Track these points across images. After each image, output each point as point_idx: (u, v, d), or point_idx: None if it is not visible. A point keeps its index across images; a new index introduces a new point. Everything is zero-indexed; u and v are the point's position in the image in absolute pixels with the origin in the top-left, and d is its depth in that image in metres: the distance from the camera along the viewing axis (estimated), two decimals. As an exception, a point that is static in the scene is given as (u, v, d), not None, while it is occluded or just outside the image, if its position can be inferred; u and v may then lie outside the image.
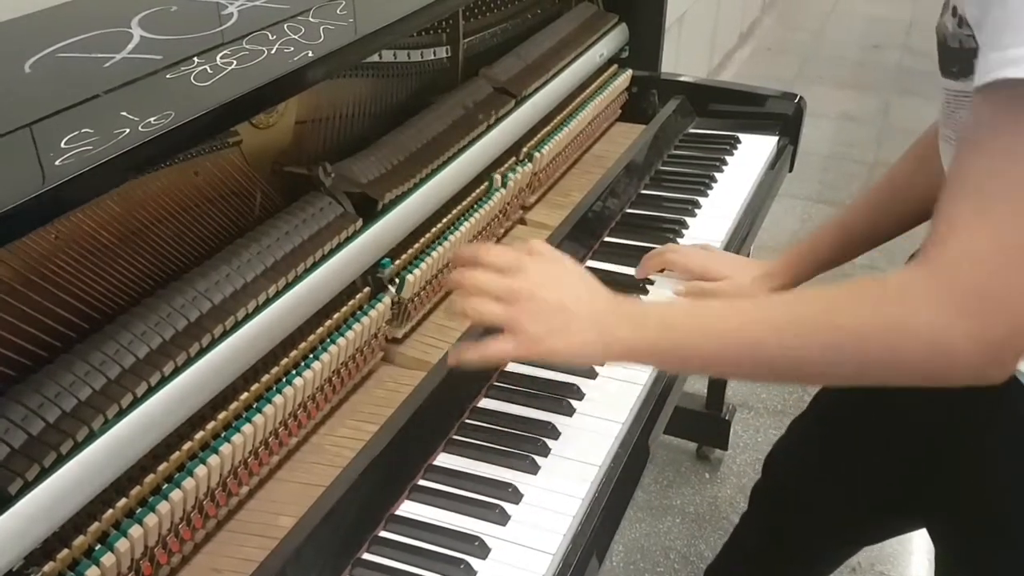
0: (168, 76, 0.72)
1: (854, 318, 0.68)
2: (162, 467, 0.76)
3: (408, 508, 0.85)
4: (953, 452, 0.91)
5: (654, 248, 1.23)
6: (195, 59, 0.75)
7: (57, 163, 0.57)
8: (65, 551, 0.68)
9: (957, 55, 0.75)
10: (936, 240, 0.66)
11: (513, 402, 0.98)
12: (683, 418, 1.93)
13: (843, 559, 1.25)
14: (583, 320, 0.79)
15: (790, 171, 1.63)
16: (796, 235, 2.81)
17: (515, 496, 0.86)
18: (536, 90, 1.33)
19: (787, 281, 1.14)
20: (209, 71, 0.73)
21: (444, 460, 0.91)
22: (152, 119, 0.63)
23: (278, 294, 0.87)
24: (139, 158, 0.61)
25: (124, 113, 0.64)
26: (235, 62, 0.75)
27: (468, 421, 0.96)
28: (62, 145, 0.59)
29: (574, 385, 1.00)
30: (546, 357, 0.80)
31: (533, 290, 0.81)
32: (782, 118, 1.61)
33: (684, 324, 0.77)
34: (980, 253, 0.63)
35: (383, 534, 0.83)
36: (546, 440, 0.92)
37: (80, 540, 0.69)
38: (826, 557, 1.23)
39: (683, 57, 3.16)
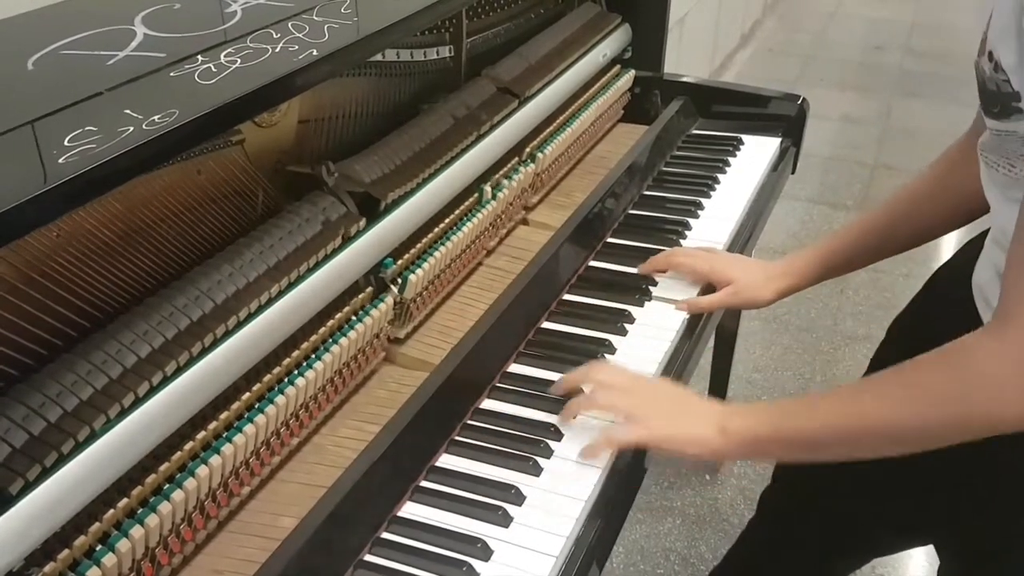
0: (172, 74, 0.71)
1: (951, 405, 0.73)
2: (163, 467, 0.75)
3: (410, 509, 0.85)
4: (965, 469, 0.90)
5: (657, 249, 1.23)
6: (199, 57, 0.75)
7: (60, 161, 0.56)
8: (66, 551, 0.67)
9: (996, 97, 0.76)
10: (1007, 311, 0.71)
11: (516, 403, 0.98)
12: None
13: (852, 569, 1.25)
14: (699, 413, 0.88)
15: (792, 173, 1.63)
16: (796, 236, 2.80)
17: (518, 498, 0.85)
18: (539, 90, 1.33)
19: (798, 283, 1.13)
20: (213, 69, 0.72)
21: (446, 461, 0.90)
22: (156, 117, 0.63)
23: (280, 294, 0.87)
24: (143, 157, 0.60)
25: (128, 111, 0.63)
26: (239, 60, 0.74)
27: (471, 422, 0.96)
28: (65, 143, 0.59)
29: (578, 387, 1.00)
30: (666, 444, 0.88)
31: (654, 385, 0.94)
32: (785, 119, 1.60)
33: (792, 411, 0.84)
34: None
35: (385, 535, 0.82)
36: (549, 442, 0.92)
37: (81, 540, 0.68)
38: (834, 567, 1.22)
39: (684, 58, 3.15)
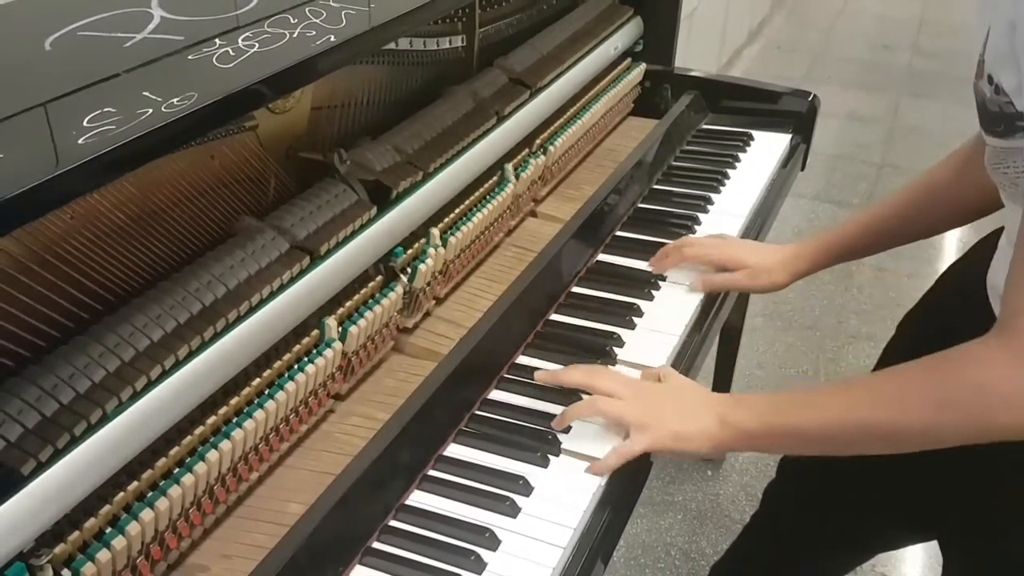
0: (190, 57, 0.71)
1: (951, 411, 0.74)
2: (174, 451, 0.75)
3: (418, 498, 0.85)
4: (970, 466, 0.90)
5: (666, 243, 1.23)
6: (216, 41, 0.74)
7: (80, 142, 0.56)
8: (76, 533, 0.67)
9: (1000, 118, 0.76)
10: (1011, 322, 0.71)
11: (524, 394, 0.98)
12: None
13: (855, 564, 1.25)
14: (700, 407, 0.89)
15: (802, 170, 1.62)
16: (801, 233, 2.80)
17: (526, 488, 0.85)
18: (551, 81, 1.33)
19: (812, 266, 1.14)
20: (231, 53, 0.72)
21: (455, 451, 0.90)
22: (175, 100, 0.62)
23: (292, 280, 0.87)
24: (162, 139, 0.60)
25: (146, 93, 0.63)
26: (257, 45, 0.74)
27: (479, 412, 0.96)
28: (84, 124, 0.58)
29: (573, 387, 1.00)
30: (674, 444, 0.88)
31: (654, 388, 0.93)
32: (795, 116, 1.60)
33: (792, 402, 0.85)
34: None
35: (393, 523, 0.82)
36: (557, 433, 0.92)
37: (91, 522, 0.68)
38: (837, 562, 1.23)
39: (692, 53, 3.15)
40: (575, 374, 0.94)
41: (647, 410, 0.89)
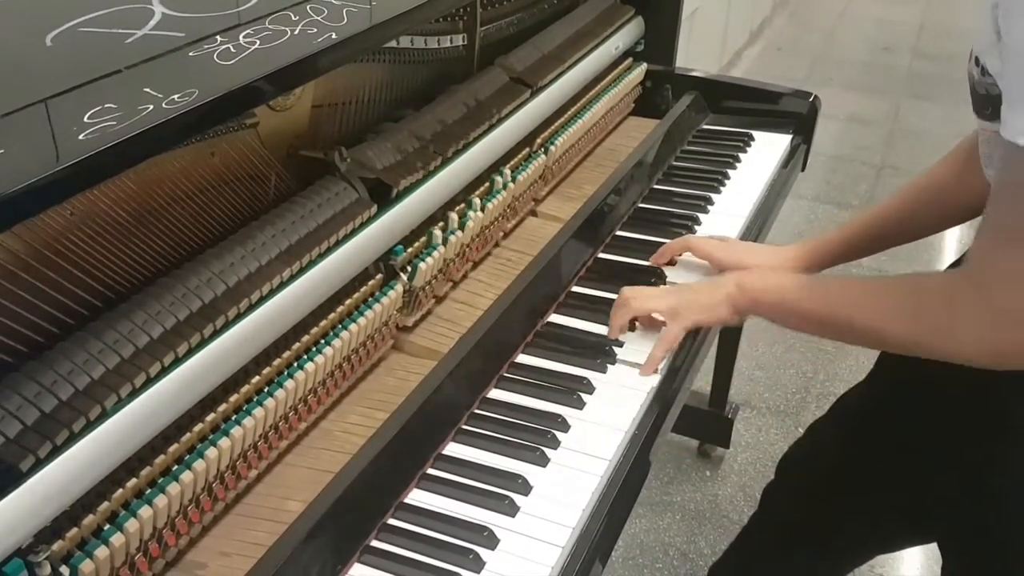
0: (191, 54, 0.71)
1: (913, 315, 0.83)
2: (173, 448, 0.75)
3: (417, 496, 0.85)
4: (968, 467, 0.90)
5: (666, 243, 1.23)
6: (217, 37, 0.74)
7: (80, 137, 0.56)
8: (74, 530, 0.67)
9: (987, 100, 0.78)
10: (979, 255, 0.77)
11: (524, 393, 0.97)
12: (686, 415, 1.92)
13: (854, 566, 1.25)
14: (720, 281, 1.04)
15: (802, 170, 1.62)
16: (802, 235, 2.80)
17: (524, 488, 0.85)
18: (552, 81, 1.33)
19: (812, 268, 1.15)
20: (232, 50, 0.72)
21: (454, 450, 0.90)
22: (176, 96, 0.62)
23: (292, 278, 0.86)
24: (163, 135, 0.60)
25: (147, 90, 0.63)
26: (258, 42, 0.74)
27: (478, 411, 0.95)
28: (85, 119, 0.58)
29: (585, 378, 1.00)
30: (703, 315, 1.03)
31: (678, 285, 1.10)
32: (796, 117, 1.60)
33: (803, 287, 0.96)
34: (1013, 276, 0.73)
35: (392, 522, 0.82)
36: (556, 433, 0.92)
37: (90, 519, 0.68)
38: (836, 563, 1.23)
39: (693, 54, 3.15)
40: (621, 312, 1.07)
41: (675, 298, 1.04)
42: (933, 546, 1.04)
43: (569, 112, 1.40)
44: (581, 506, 0.84)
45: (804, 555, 1.23)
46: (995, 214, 0.76)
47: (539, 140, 1.31)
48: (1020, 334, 0.74)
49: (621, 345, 1.06)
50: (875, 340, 0.90)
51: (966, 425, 0.92)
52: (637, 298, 1.06)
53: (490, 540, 0.80)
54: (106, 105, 0.60)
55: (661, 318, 1.05)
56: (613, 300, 1.13)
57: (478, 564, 0.78)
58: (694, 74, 1.65)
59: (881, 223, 1.10)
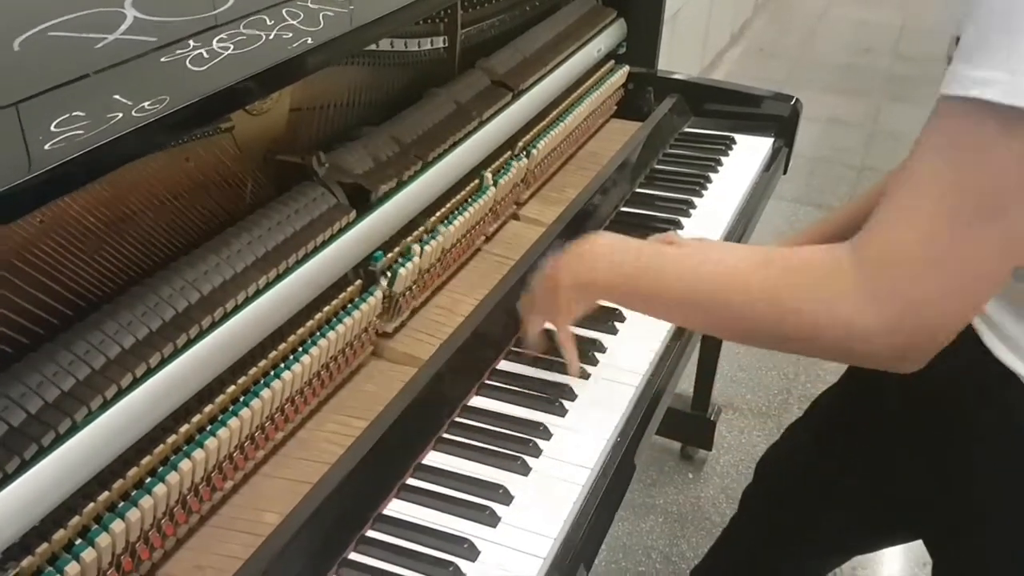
0: (163, 59, 0.69)
1: (791, 293, 0.71)
2: (145, 460, 0.73)
3: (396, 507, 0.84)
4: (949, 465, 0.90)
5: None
6: (190, 42, 0.73)
7: (47, 147, 0.55)
8: (44, 545, 0.66)
9: None
10: (872, 227, 0.67)
11: (505, 401, 0.96)
12: (668, 417, 1.91)
13: (834, 566, 1.25)
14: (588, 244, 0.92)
15: (784, 173, 1.62)
16: (782, 236, 2.80)
17: (506, 498, 0.84)
18: (534, 84, 1.32)
19: None
20: (205, 55, 0.70)
21: (434, 459, 0.89)
22: (146, 104, 0.61)
23: (268, 285, 0.85)
24: (132, 144, 0.58)
25: (117, 96, 0.61)
26: (232, 46, 0.72)
27: (459, 419, 0.94)
28: (52, 128, 0.57)
29: (567, 386, 0.99)
30: (569, 277, 0.91)
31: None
32: (778, 120, 1.60)
33: (657, 267, 0.83)
34: (904, 254, 0.64)
35: (371, 534, 0.81)
36: (537, 441, 0.91)
37: (60, 534, 0.67)
38: (816, 564, 1.23)
39: (675, 56, 3.15)
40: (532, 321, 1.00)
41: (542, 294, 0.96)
42: (913, 545, 1.04)
43: (551, 115, 1.39)
44: (563, 516, 0.83)
45: (784, 556, 1.23)
46: (906, 176, 0.66)
47: (521, 143, 1.30)
48: (911, 325, 0.65)
49: (604, 350, 1.05)
50: (724, 313, 0.76)
51: (937, 425, 0.91)
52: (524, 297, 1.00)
53: (471, 551, 0.79)
54: (74, 113, 0.58)
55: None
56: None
57: (458, 576, 0.77)
58: (676, 77, 1.65)
59: (858, 221, 1.10)
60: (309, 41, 0.76)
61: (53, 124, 0.57)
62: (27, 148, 0.55)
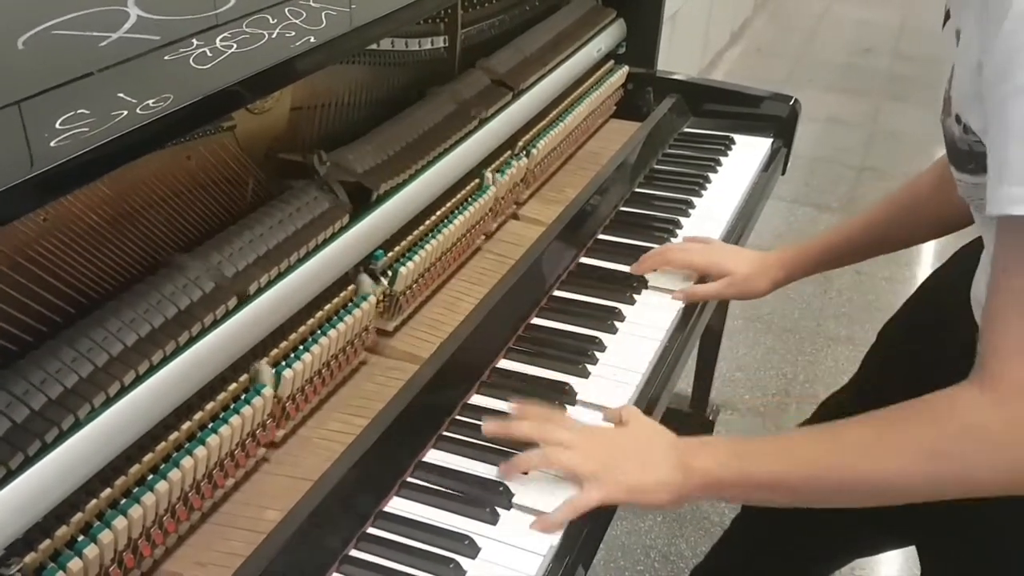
0: (167, 58, 0.70)
1: (949, 464, 0.71)
2: (148, 457, 0.74)
3: (398, 505, 0.84)
4: None
5: (648, 247, 1.23)
6: (194, 41, 0.73)
7: (52, 144, 0.55)
8: (47, 541, 0.66)
9: (969, 156, 0.76)
10: (994, 362, 0.68)
11: (505, 399, 0.97)
12: (667, 417, 1.91)
13: (837, 567, 1.25)
14: (660, 456, 0.82)
15: (782, 174, 1.63)
16: (782, 237, 2.81)
17: (506, 496, 0.85)
18: (534, 83, 1.32)
19: (794, 275, 1.15)
20: (208, 54, 0.71)
21: (435, 457, 0.90)
22: (150, 102, 0.61)
23: (270, 283, 0.85)
24: (137, 142, 0.59)
25: (121, 95, 0.62)
26: (235, 45, 0.73)
27: (459, 417, 0.95)
28: (57, 126, 0.57)
29: (567, 384, 0.99)
30: (629, 497, 0.82)
31: (610, 437, 0.87)
32: (777, 120, 1.60)
33: (760, 450, 0.80)
34: None
35: (372, 531, 0.81)
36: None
37: (63, 530, 0.67)
38: (819, 564, 1.23)
39: (674, 55, 3.15)
40: (524, 426, 0.87)
41: (601, 461, 0.82)
42: (913, 550, 1.05)
43: (551, 115, 1.39)
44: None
45: (785, 558, 1.23)
46: (1005, 309, 0.68)
47: (521, 143, 1.30)
48: None
49: (604, 349, 1.06)
50: (883, 492, 0.75)
51: None
52: (549, 442, 0.84)
53: (471, 548, 0.79)
54: (79, 111, 0.59)
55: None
56: (595, 305, 1.13)
57: (459, 573, 0.77)
58: (675, 77, 1.65)
59: (861, 235, 1.11)
60: (312, 40, 0.77)
61: (58, 122, 0.57)
62: (31, 145, 0.55)
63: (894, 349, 1.08)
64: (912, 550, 1.05)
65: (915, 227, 1.07)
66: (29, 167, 0.51)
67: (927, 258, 2.66)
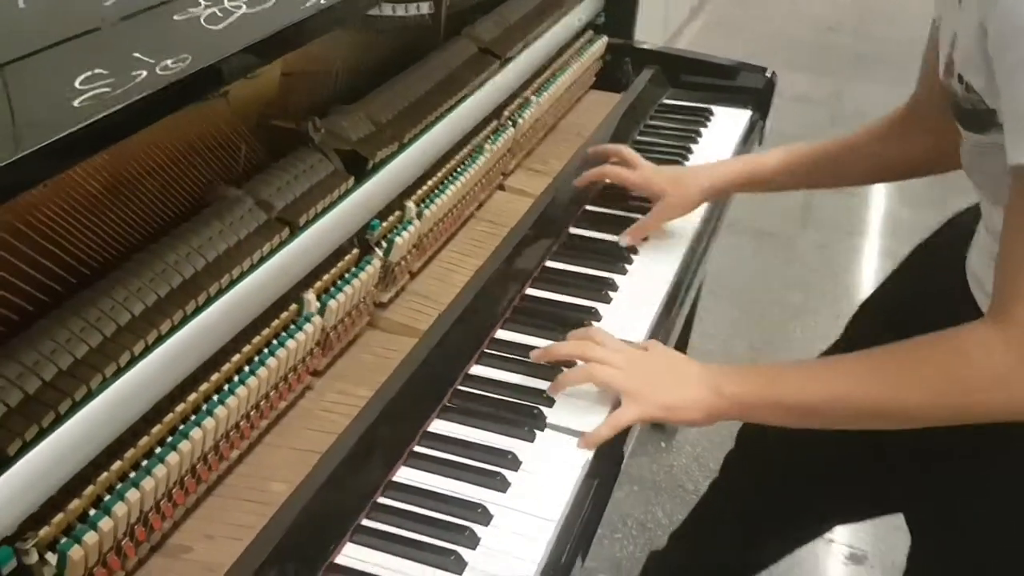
0: (175, 17, 0.67)
1: (961, 391, 0.75)
2: (156, 429, 0.72)
3: (406, 475, 0.84)
4: (936, 442, 0.91)
5: (634, 217, 1.23)
6: (201, 1, 0.71)
7: (76, 104, 0.53)
8: (60, 515, 0.64)
9: (974, 115, 0.78)
10: (1008, 303, 0.72)
11: (506, 369, 0.97)
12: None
13: (814, 534, 1.27)
14: (694, 378, 0.88)
15: (759, 144, 1.64)
16: (757, 210, 2.83)
17: (514, 463, 0.85)
18: (519, 52, 1.31)
19: (723, 191, 1.23)
20: (219, 14, 0.69)
21: (440, 427, 0.89)
22: (168, 62, 0.59)
23: (272, 252, 0.84)
24: (163, 102, 0.57)
25: (137, 55, 0.60)
26: (244, 6, 0.71)
27: (461, 387, 0.94)
28: (77, 85, 0.55)
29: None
30: (665, 414, 0.88)
31: (646, 357, 0.92)
32: (754, 92, 1.61)
33: (788, 375, 0.85)
34: None
35: (382, 500, 0.81)
36: (542, 408, 0.91)
37: (76, 504, 0.65)
38: (799, 529, 1.25)
39: (636, 29, 3.14)
40: (567, 346, 0.93)
41: (639, 379, 0.88)
42: (891, 519, 1.06)
43: (534, 85, 1.39)
44: (573, 479, 0.84)
45: (764, 521, 1.25)
46: (1019, 251, 0.72)
47: (506, 112, 1.29)
48: None
49: (600, 319, 1.06)
50: (898, 418, 0.80)
51: None
52: (591, 360, 0.90)
53: (483, 516, 0.79)
54: (96, 71, 0.57)
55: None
56: (588, 275, 1.13)
57: (473, 540, 0.77)
58: (654, 48, 1.65)
59: (791, 168, 1.17)
60: (322, 1, 0.75)
61: (77, 81, 0.55)
62: (53, 106, 0.53)
63: (888, 319, 1.09)
64: (891, 521, 1.06)
65: (841, 175, 1.15)
66: (57, 127, 0.49)
67: (887, 228, 2.71)
